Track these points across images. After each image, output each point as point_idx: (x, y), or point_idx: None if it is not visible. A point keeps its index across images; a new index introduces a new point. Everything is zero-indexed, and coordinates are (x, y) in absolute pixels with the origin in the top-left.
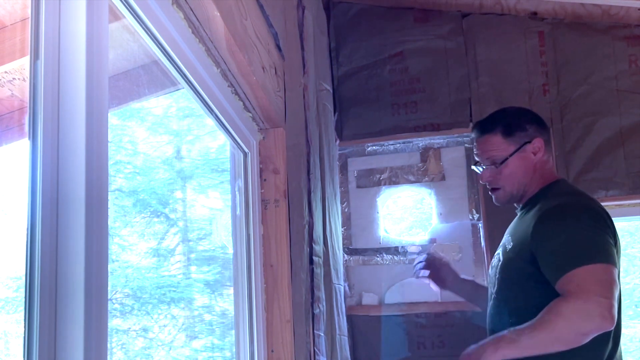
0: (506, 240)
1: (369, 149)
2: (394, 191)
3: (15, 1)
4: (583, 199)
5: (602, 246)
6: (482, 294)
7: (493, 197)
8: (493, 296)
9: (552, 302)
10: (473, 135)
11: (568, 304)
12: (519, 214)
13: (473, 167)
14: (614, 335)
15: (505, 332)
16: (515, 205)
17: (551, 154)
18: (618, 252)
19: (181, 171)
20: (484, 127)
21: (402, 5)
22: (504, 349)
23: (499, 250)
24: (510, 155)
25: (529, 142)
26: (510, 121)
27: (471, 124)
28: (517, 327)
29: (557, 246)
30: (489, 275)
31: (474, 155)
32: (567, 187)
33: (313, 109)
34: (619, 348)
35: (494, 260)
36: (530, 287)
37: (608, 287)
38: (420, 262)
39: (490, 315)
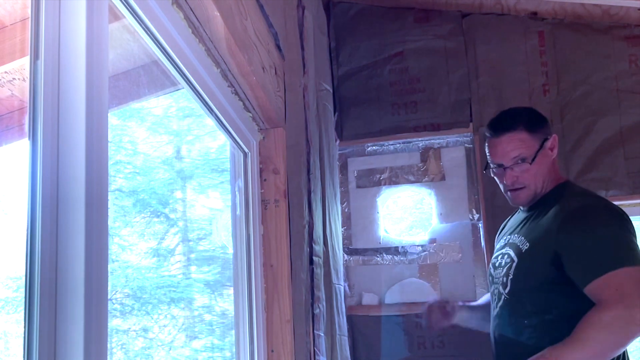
0: (517, 240)
1: (369, 149)
2: (394, 191)
3: (15, 1)
4: (605, 200)
5: (633, 248)
6: (478, 314)
7: (513, 197)
8: (504, 297)
9: (590, 313)
10: (488, 135)
11: (609, 312)
12: (523, 214)
13: (485, 171)
14: None
15: (544, 352)
16: (521, 205)
17: None
18: None
19: (181, 171)
20: (505, 125)
21: (402, 5)
22: None
23: (508, 251)
24: (538, 151)
25: (547, 138)
26: (531, 117)
27: (471, 124)
28: (556, 345)
29: (589, 249)
30: (490, 275)
31: (488, 157)
32: (579, 188)
33: (313, 109)
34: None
35: (501, 260)
36: (550, 290)
37: None
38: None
39: (499, 316)
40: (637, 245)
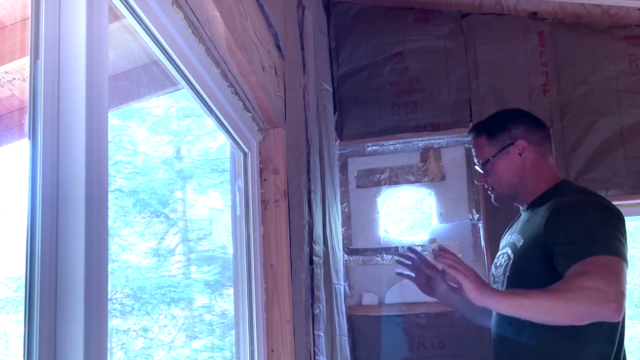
0: (515, 238)
1: (369, 149)
2: (394, 191)
3: (15, 1)
4: (596, 196)
5: (618, 242)
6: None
7: (491, 196)
8: None
9: (570, 276)
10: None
11: (591, 281)
12: (524, 214)
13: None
14: (620, 334)
15: (509, 290)
16: (520, 206)
17: (551, 155)
18: (626, 251)
19: (181, 171)
20: (476, 129)
21: (402, 5)
22: (508, 299)
23: (507, 250)
24: (493, 156)
25: (512, 143)
26: (495, 123)
27: (471, 124)
28: (530, 289)
29: (574, 236)
30: (492, 275)
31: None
32: (576, 186)
33: (313, 109)
34: (623, 349)
35: (501, 260)
36: (542, 285)
37: (624, 281)
38: (407, 260)
39: (498, 315)
40: (624, 243)
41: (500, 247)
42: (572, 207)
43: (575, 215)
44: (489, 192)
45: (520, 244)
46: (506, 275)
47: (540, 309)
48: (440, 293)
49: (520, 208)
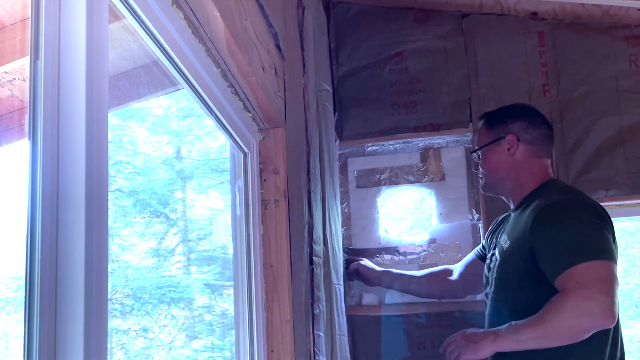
0: (503, 240)
1: (369, 149)
2: (394, 191)
3: (15, 1)
4: (581, 196)
5: (602, 243)
6: (399, 281)
7: None
8: (490, 296)
9: (552, 299)
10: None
11: (568, 300)
12: (512, 215)
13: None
14: (613, 335)
15: (505, 325)
16: (509, 204)
17: (548, 157)
18: (616, 249)
19: (181, 171)
20: (482, 116)
21: (402, 5)
22: (503, 341)
23: (495, 251)
24: (484, 145)
25: (504, 137)
26: (497, 114)
27: (471, 124)
28: (518, 322)
29: (557, 243)
30: (485, 276)
31: None
32: (563, 185)
33: (313, 109)
34: (618, 348)
35: (490, 262)
36: (529, 286)
37: (609, 284)
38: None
39: (488, 315)
40: (606, 241)
41: (488, 247)
42: (555, 210)
43: (558, 220)
44: (479, 179)
45: (507, 245)
46: (494, 276)
47: (535, 340)
48: (374, 278)
49: (510, 208)
